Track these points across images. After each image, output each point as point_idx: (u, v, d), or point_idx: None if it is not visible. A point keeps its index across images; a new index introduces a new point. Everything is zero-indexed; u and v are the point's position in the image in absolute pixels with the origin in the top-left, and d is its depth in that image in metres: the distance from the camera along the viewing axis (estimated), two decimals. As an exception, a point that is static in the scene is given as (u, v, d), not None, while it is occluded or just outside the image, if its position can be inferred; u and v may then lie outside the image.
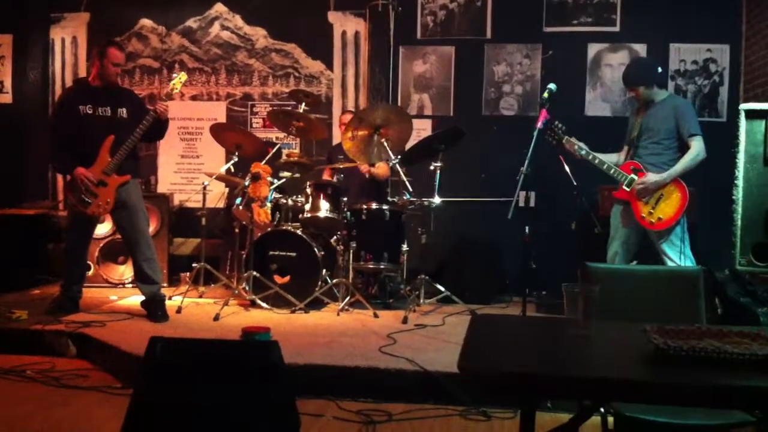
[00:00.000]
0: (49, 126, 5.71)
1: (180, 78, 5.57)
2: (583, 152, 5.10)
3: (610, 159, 5.16)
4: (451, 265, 6.54)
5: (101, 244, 6.81)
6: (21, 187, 7.79)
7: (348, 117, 6.74)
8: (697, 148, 4.92)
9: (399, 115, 6.04)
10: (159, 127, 5.44)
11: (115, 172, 5.28)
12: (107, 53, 5.33)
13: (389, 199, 6.13)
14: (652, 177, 4.94)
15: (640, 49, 7.00)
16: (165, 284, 6.52)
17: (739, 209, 4.40)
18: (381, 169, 6.54)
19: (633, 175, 4.99)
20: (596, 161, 5.08)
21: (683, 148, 4.99)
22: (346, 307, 5.76)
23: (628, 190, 5.00)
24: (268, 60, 7.75)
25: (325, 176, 6.65)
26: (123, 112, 5.39)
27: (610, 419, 2.62)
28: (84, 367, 4.70)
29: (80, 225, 5.48)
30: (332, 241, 6.22)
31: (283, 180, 6.15)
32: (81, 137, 5.31)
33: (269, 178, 5.91)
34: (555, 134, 5.18)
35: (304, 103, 6.34)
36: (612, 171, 5.06)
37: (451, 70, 7.38)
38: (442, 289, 5.84)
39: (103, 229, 6.68)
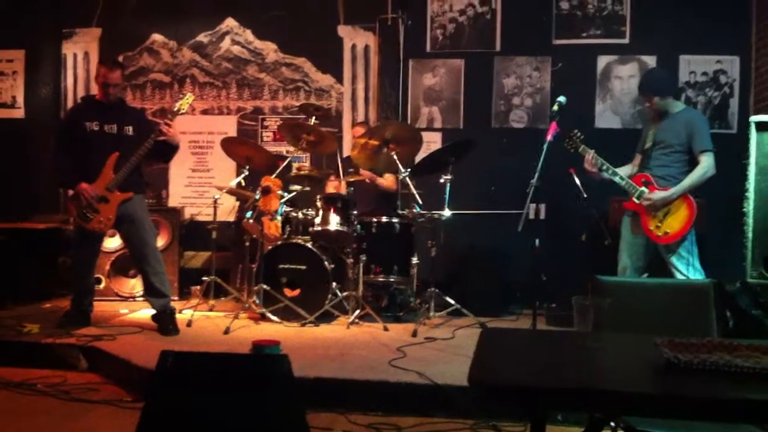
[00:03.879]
0: (54, 140, 5.74)
1: (187, 99, 5.58)
2: (598, 162, 5.10)
3: (623, 171, 5.16)
4: (461, 277, 6.52)
5: (112, 258, 6.85)
6: (32, 201, 7.81)
7: (360, 129, 6.77)
8: (706, 164, 4.89)
9: (410, 133, 6.07)
10: (166, 148, 5.44)
11: (118, 188, 5.30)
12: (99, 73, 5.43)
13: (399, 211, 6.13)
14: (659, 194, 4.93)
15: (650, 61, 7.00)
16: (175, 297, 6.55)
17: (750, 221, 4.39)
18: (388, 180, 6.56)
19: (644, 188, 4.98)
20: (609, 172, 5.08)
21: (694, 162, 4.97)
22: (356, 320, 5.76)
23: (638, 202, 5.00)
24: (278, 74, 7.79)
25: (330, 189, 6.65)
26: (129, 129, 5.41)
27: (621, 433, 2.61)
28: (95, 381, 4.71)
29: (85, 239, 5.49)
30: (342, 254, 6.22)
31: (294, 193, 6.16)
32: (86, 153, 5.33)
33: (279, 192, 5.93)
34: (573, 142, 5.18)
35: (314, 117, 6.37)
36: (623, 183, 5.05)
37: (460, 83, 7.40)
38: (452, 301, 5.83)
39: (114, 243, 6.71)
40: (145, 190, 5.74)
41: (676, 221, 4.90)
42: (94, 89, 7.67)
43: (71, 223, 5.68)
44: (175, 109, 5.50)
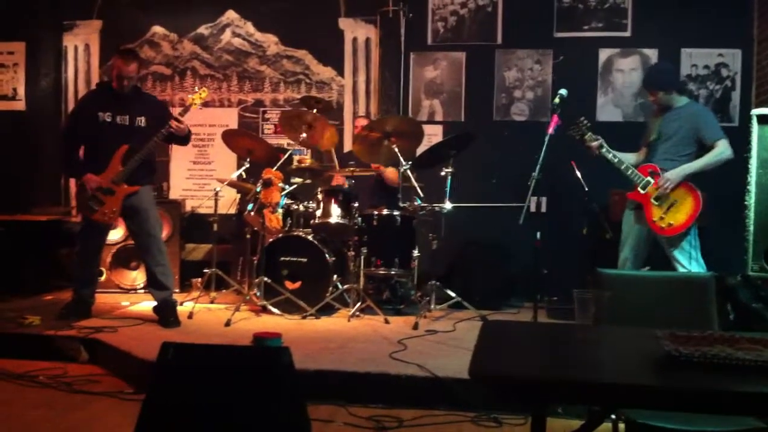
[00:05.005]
0: (63, 128, 5.72)
1: (200, 94, 5.59)
2: (603, 149, 5.06)
3: (628, 159, 5.13)
4: (461, 270, 6.52)
5: (113, 250, 6.85)
6: (33, 194, 7.82)
7: (363, 121, 6.77)
8: (722, 146, 4.87)
9: (410, 126, 6.06)
10: (180, 137, 5.47)
11: (125, 181, 5.30)
12: (114, 65, 5.41)
13: (400, 204, 6.13)
14: (667, 174, 4.90)
15: (652, 54, 6.99)
16: (177, 290, 6.54)
17: (752, 215, 4.38)
18: (391, 173, 6.55)
19: (649, 178, 4.95)
20: (616, 160, 5.03)
21: (699, 155, 4.95)
22: (357, 313, 5.76)
23: (642, 192, 4.97)
24: (279, 66, 7.78)
25: (336, 182, 6.66)
26: (142, 120, 5.40)
27: (621, 425, 2.61)
28: (96, 373, 4.72)
29: (91, 230, 5.49)
30: (343, 246, 6.22)
31: (295, 186, 6.17)
32: (96, 143, 5.34)
33: (280, 184, 5.92)
34: (579, 129, 5.15)
35: (315, 110, 6.36)
36: (629, 172, 5.02)
37: (461, 76, 7.39)
38: (453, 294, 5.83)
39: (116, 234, 6.71)
40: (153, 181, 5.76)
41: (681, 213, 4.87)
42: (95, 81, 7.71)
43: (74, 215, 5.68)
44: (188, 103, 5.51)
